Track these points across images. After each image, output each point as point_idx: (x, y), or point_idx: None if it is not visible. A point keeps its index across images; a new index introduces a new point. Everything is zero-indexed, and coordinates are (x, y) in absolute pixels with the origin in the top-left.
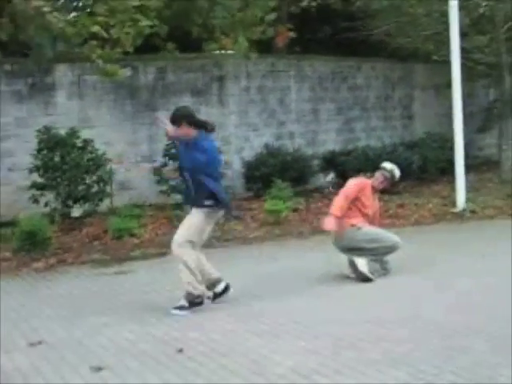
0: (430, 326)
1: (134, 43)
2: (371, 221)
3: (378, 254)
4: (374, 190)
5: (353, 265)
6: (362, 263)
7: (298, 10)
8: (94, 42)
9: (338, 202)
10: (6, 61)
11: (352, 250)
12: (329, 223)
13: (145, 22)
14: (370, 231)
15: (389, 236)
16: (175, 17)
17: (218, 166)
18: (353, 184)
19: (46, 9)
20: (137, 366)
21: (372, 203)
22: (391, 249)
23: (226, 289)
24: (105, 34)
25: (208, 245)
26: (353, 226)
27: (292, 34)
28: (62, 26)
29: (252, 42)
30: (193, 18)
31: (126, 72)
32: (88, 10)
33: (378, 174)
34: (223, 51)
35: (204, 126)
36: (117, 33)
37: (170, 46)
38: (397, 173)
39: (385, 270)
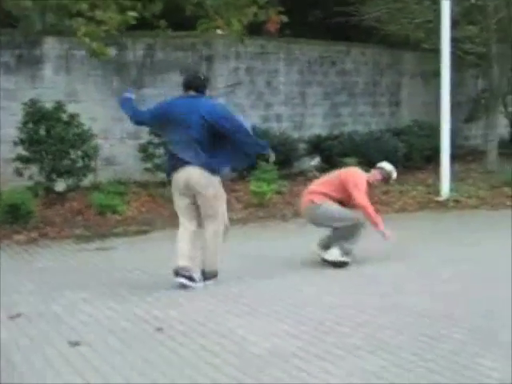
0: (411, 314)
1: (119, 27)
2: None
3: (345, 235)
4: (368, 185)
5: (324, 258)
6: (331, 253)
7: None
8: (80, 19)
9: (365, 198)
10: None
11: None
12: (380, 223)
13: (131, 13)
14: (329, 208)
15: (348, 213)
16: None
17: (170, 122)
18: (364, 180)
19: None
20: (116, 342)
21: None
22: (355, 228)
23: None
24: (89, 14)
25: None
26: (313, 202)
27: (284, 18)
28: None
29: (243, 24)
30: None
31: (112, 51)
32: None
33: (375, 172)
34: (217, 31)
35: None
36: (101, 16)
37: (162, 24)
38: (394, 175)
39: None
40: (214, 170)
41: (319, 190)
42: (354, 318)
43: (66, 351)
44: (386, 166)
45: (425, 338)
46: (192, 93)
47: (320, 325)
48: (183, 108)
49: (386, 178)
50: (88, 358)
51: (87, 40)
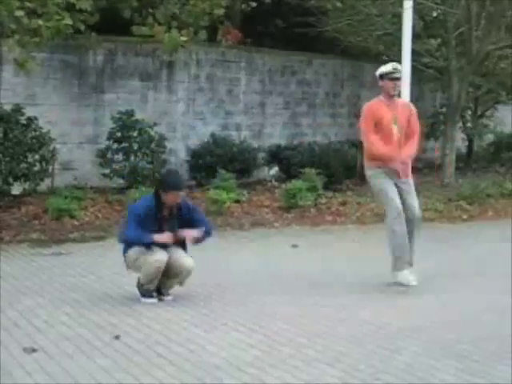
0: (368, 326)
1: (52, 38)
2: None
3: None
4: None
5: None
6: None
7: (249, 8)
8: (14, 27)
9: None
10: None
11: None
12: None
13: (67, 20)
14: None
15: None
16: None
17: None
18: (365, 112)
19: None
20: (72, 349)
21: None
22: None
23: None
24: (26, 22)
25: None
26: None
27: (238, 34)
28: None
29: (205, 29)
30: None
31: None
32: None
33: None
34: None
35: None
36: (35, 23)
37: (93, 37)
38: (390, 67)
39: None
40: None
41: None
42: (310, 329)
43: (20, 357)
44: (380, 69)
45: (381, 351)
46: None
47: (277, 335)
48: None
49: (391, 78)
50: (42, 365)
51: (17, 49)
